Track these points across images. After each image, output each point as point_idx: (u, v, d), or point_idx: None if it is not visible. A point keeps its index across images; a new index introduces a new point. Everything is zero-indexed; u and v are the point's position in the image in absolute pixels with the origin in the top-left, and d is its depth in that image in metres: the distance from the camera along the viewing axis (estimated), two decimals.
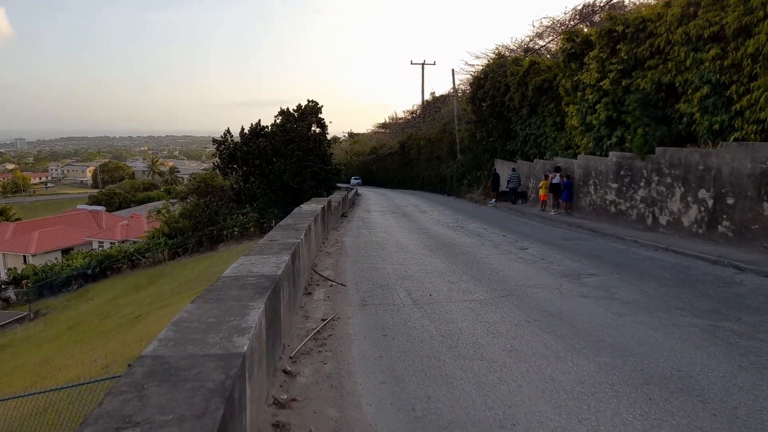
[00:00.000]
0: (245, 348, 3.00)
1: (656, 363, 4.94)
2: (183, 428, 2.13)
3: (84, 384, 9.98)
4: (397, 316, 6.65)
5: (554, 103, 21.10)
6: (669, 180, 13.36)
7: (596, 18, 25.85)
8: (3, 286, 36.73)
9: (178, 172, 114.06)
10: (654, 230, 13.89)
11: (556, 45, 25.50)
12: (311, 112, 35.64)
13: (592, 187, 17.31)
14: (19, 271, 38.27)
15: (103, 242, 48.03)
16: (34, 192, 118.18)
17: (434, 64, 66.79)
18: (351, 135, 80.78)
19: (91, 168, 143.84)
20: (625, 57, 15.41)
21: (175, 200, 42.25)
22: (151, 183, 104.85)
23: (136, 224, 50.54)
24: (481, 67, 32.31)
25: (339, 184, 42.62)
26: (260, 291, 4.25)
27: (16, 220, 61.99)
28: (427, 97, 50.85)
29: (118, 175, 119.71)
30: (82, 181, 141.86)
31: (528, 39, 33.32)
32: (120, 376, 2.69)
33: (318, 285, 8.45)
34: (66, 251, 45.73)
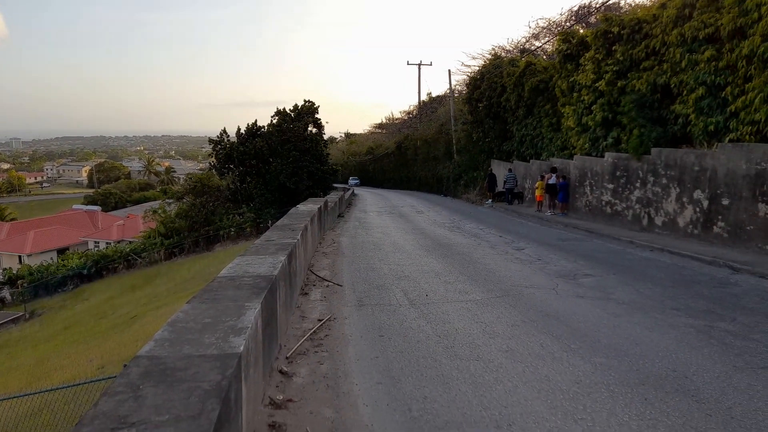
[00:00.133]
0: (241, 348, 3.00)
1: (652, 363, 4.95)
2: (179, 429, 2.13)
3: (79, 384, 9.96)
4: (393, 317, 6.66)
5: (550, 103, 21.14)
6: (664, 181, 13.41)
7: (592, 19, 25.93)
8: None
9: (175, 172, 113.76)
10: (650, 231, 13.94)
11: (552, 46, 25.56)
12: (308, 112, 35.64)
13: (588, 188, 17.36)
14: (14, 271, 38.13)
15: (98, 242, 47.90)
16: (30, 192, 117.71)
17: (431, 64, 67.03)
18: (348, 135, 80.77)
19: (87, 168, 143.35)
20: (621, 58, 15.45)
21: (171, 200, 42.17)
22: (147, 183, 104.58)
23: (132, 224, 50.45)
24: (477, 68, 32.38)
25: (337, 185, 42.63)
26: (256, 291, 4.25)
27: (12, 219, 61.78)
28: (424, 97, 50.98)
29: (113, 175, 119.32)
30: (77, 180, 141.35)
31: (524, 40, 33.45)
32: (116, 376, 2.69)
33: (314, 285, 8.45)
34: (61, 251, 45.60)
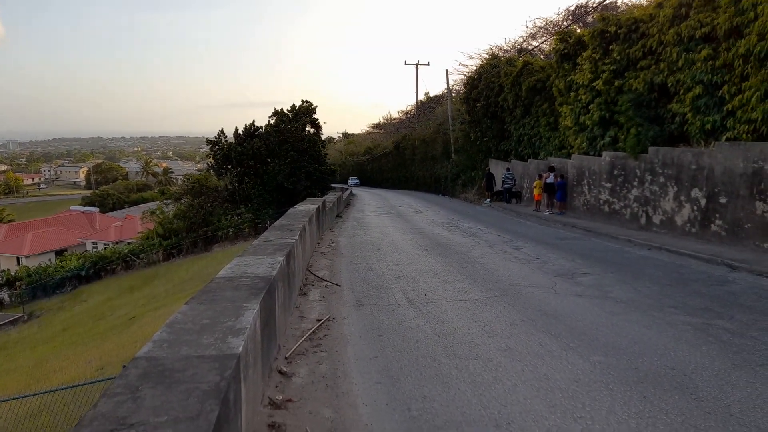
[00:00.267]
0: (240, 349, 3.00)
1: (650, 361, 4.96)
2: (177, 430, 2.13)
3: (79, 386, 9.95)
4: (392, 316, 6.66)
5: (548, 103, 21.16)
6: (662, 179, 13.43)
7: (589, 19, 25.96)
8: None
9: (172, 172, 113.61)
10: (647, 229, 13.96)
11: (550, 45, 25.61)
12: (305, 112, 35.62)
13: (586, 187, 17.38)
14: (12, 273, 38.06)
15: (97, 243, 47.85)
16: (27, 193, 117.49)
17: (428, 64, 67.02)
18: (345, 135, 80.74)
19: (85, 169, 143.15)
20: (618, 57, 15.47)
21: (169, 201, 42.11)
22: (145, 184, 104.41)
23: (130, 225, 50.38)
24: (474, 68, 32.43)
25: (336, 185, 42.61)
26: (255, 292, 4.25)
27: (9, 221, 61.63)
28: (422, 97, 51.02)
29: (111, 176, 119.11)
30: (75, 182, 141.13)
31: (521, 39, 33.51)
32: (115, 377, 2.68)
33: (313, 285, 8.45)
34: (60, 252, 45.53)
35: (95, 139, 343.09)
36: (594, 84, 16.51)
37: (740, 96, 11.11)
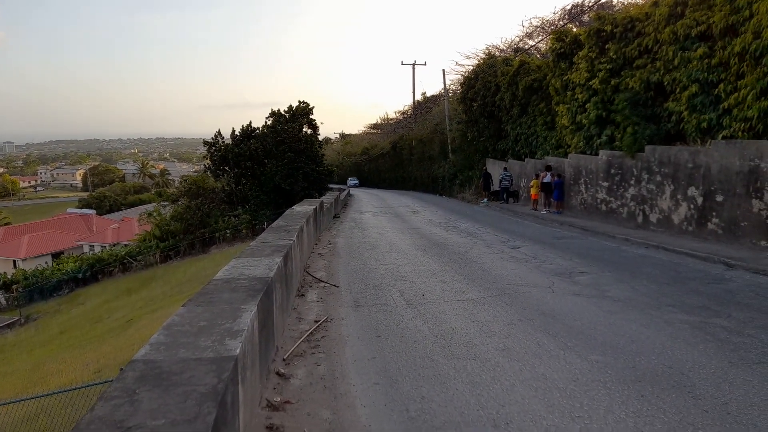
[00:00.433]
0: (237, 351, 2.99)
1: (648, 360, 4.97)
2: None
3: (76, 389, 9.92)
4: (390, 317, 6.66)
5: (544, 102, 21.19)
6: (659, 178, 13.46)
7: (585, 18, 26.00)
8: None
9: (169, 174, 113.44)
10: (644, 228, 13.99)
11: (546, 45, 25.62)
12: (302, 113, 35.60)
13: (583, 186, 17.40)
14: (9, 276, 37.95)
15: (94, 246, 47.73)
16: (24, 196, 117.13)
17: (425, 64, 67.09)
18: (343, 136, 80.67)
19: (81, 171, 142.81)
20: (614, 56, 15.50)
21: (166, 203, 42.05)
22: (142, 186, 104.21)
23: (127, 227, 50.27)
24: (471, 68, 32.43)
25: (336, 185, 42.60)
26: (252, 293, 4.24)
27: (6, 224, 61.45)
28: (418, 97, 51.01)
29: (108, 178, 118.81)
30: (72, 184, 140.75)
31: (518, 39, 33.51)
32: (112, 381, 2.68)
33: (311, 286, 8.44)
34: (56, 255, 45.42)
35: (92, 141, 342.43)
36: (590, 83, 16.54)
37: (736, 94, 11.14)
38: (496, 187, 25.61)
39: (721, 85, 11.64)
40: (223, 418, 2.47)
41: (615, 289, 7.82)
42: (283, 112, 35.46)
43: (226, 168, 34.79)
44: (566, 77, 18.37)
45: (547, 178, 19.24)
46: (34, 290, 34.55)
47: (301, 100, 36.20)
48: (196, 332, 3.30)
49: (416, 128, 45.01)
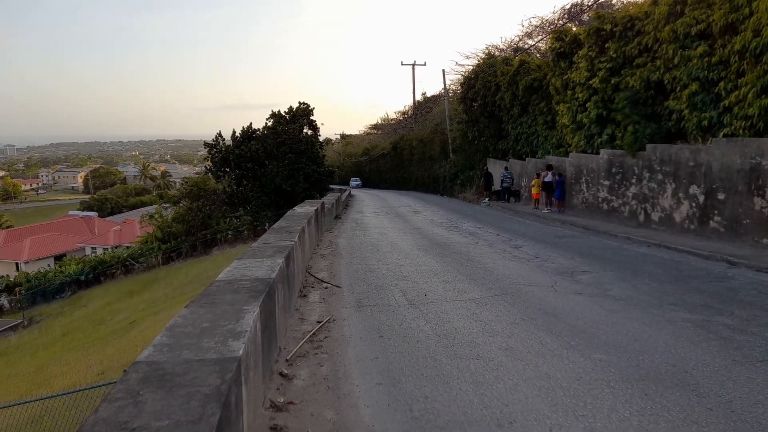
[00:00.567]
0: (240, 352, 2.99)
1: (651, 359, 4.97)
2: None
3: (80, 391, 9.94)
4: (392, 317, 6.65)
5: (545, 101, 21.18)
6: (660, 177, 13.45)
7: (585, 17, 25.99)
8: None
9: (170, 176, 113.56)
10: (646, 227, 13.97)
11: (546, 44, 25.60)
12: (303, 114, 35.62)
13: (584, 185, 17.39)
14: (11, 279, 38.00)
15: (96, 248, 47.79)
16: (26, 199, 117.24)
17: (425, 64, 67.05)
18: (343, 136, 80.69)
19: (82, 173, 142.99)
20: (614, 55, 15.49)
21: (167, 205, 42.08)
22: (143, 188, 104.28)
23: (129, 229, 50.34)
24: (471, 67, 32.43)
25: (338, 186, 42.61)
26: (254, 294, 4.24)
27: (8, 227, 61.50)
28: (419, 97, 50.95)
29: (109, 181, 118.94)
30: (73, 186, 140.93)
31: (517, 39, 33.51)
32: (115, 382, 2.68)
33: (313, 287, 8.44)
34: (59, 258, 45.47)
35: (92, 144, 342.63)
36: (591, 82, 16.53)
37: (737, 92, 11.13)
38: (497, 186, 25.60)
39: (722, 83, 11.62)
40: (227, 418, 2.47)
41: (617, 288, 7.81)
42: (283, 114, 35.48)
43: (227, 169, 34.80)
44: (566, 76, 18.36)
45: (549, 178, 19.23)
46: (37, 293, 34.59)
47: (302, 101, 36.23)
48: (198, 333, 3.30)
49: (417, 128, 45.01)
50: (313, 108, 36.20)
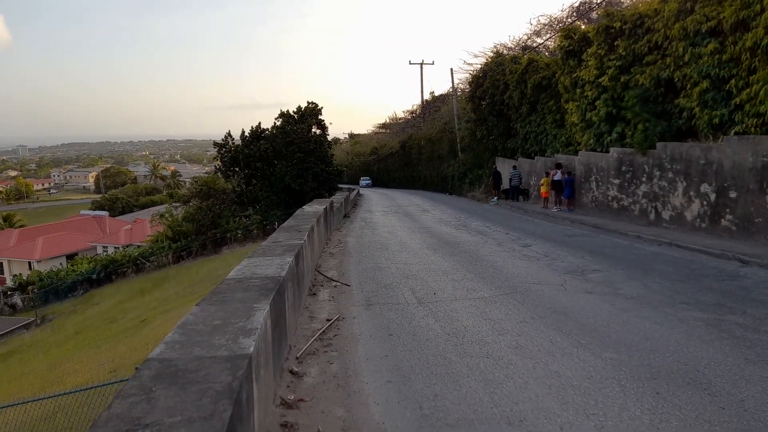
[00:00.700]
0: (251, 349, 3.01)
1: (662, 357, 4.94)
2: (192, 430, 2.14)
3: (92, 388, 10.02)
4: (402, 315, 6.66)
5: (554, 100, 21.09)
6: (671, 175, 13.35)
7: (593, 15, 25.82)
8: (9, 293, 36.85)
9: (180, 175, 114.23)
10: (657, 225, 13.88)
11: (554, 42, 25.48)
12: (311, 113, 35.68)
13: (594, 184, 17.30)
14: (24, 278, 38.38)
15: (107, 247, 48.13)
16: (38, 198, 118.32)
17: (433, 63, 66.88)
18: (351, 136, 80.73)
19: (94, 173, 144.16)
20: (624, 53, 15.39)
21: (177, 204, 42.31)
22: (154, 187, 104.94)
23: (140, 228, 50.63)
24: (479, 66, 32.33)
25: (345, 185, 42.65)
26: (265, 292, 4.26)
27: (21, 226, 62.12)
28: (427, 96, 50.92)
29: (120, 180, 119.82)
30: (84, 186, 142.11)
31: (526, 37, 33.32)
32: (128, 379, 2.71)
33: (322, 285, 8.47)
34: (71, 257, 45.84)
35: (103, 144, 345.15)
36: (600, 80, 16.44)
37: (748, 90, 11.03)
38: (506, 185, 25.53)
39: (733, 81, 11.52)
40: (239, 415, 2.49)
41: (628, 287, 7.77)
42: (292, 113, 35.56)
43: (237, 169, 34.95)
44: (575, 75, 18.27)
45: (558, 176, 19.15)
46: (50, 291, 34.91)
47: (310, 101, 36.28)
48: (210, 331, 3.33)
49: (425, 127, 44.95)
50: (322, 107, 36.26)
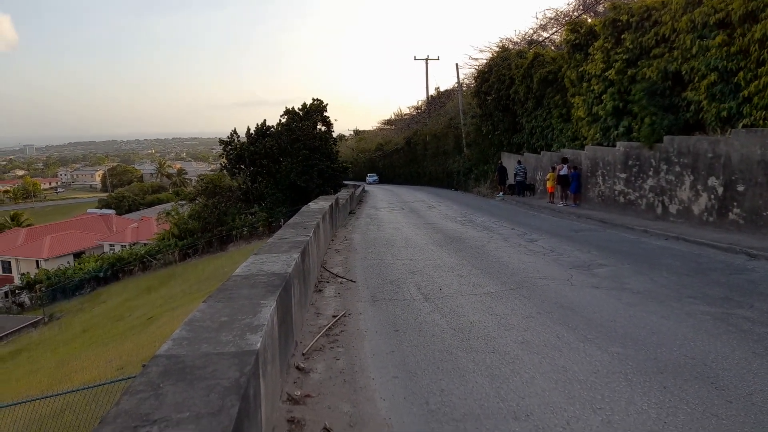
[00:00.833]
0: (258, 345, 3.02)
1: (669, 352, 4.92)
2: (200, 425, 2.16)
3: (100, 385, 10.10)
4: (407, 311, 6.67)
5: (560, 94, 20.99)
6: (678, 168, 13.27)
7: (600, 8, 25.67)
8: (17, 291, 37.17)
9: (186, 173, 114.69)
10: (664, 219, 13.81)
11: (560, 36, 25.36)
12: (316, 110, 35.70)
13: (600, 178, 17.22)
14: (32, 276, 38.67)
15: (114, 245, 48.41)
16: (45, 197, 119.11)
17: (438, 59, 66.26)
18: (356, 132, 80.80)
19: (100, 172, 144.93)
20: (630, 46, 15.29)
21: (183, 202, 42.52)
22: (160, 185, 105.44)
23: (146, 226, 50.90)
24: (485, 61, 32.20)
25: (351, 182, 42.66)
26: (271, 289, 4.28)
27: (28, 225, 62.57)
28: (432, 92, 50.79)
29: (126, 179, 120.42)
30: (91, 185, 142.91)
31: (532, 31, 33.19)
32: (135, 376, 2.72)
33: (328, 282, 8.48)
34: (78, 255, 46.14)
35: (110, 142, 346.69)
36: (606, 74, 16.34)
37: (756, 82, 10.92)
38: (511, 180, 25.47)
39: (741, 73, 11.41)
40: (246, 411, 2.50)
41: (634, 281, 7.74)
42: (297, 110, 35.59)
43: (242, 166, 35.06)
44: (582, 68, 18.17)
45: (564, 171, 19.07)
46: (57, 289, 35.18)
47: (315, 98, 36.29)
48: (217, 327, 3.34)
49: (430, 123, 44.89)
50: (327, 104, 36.28)
